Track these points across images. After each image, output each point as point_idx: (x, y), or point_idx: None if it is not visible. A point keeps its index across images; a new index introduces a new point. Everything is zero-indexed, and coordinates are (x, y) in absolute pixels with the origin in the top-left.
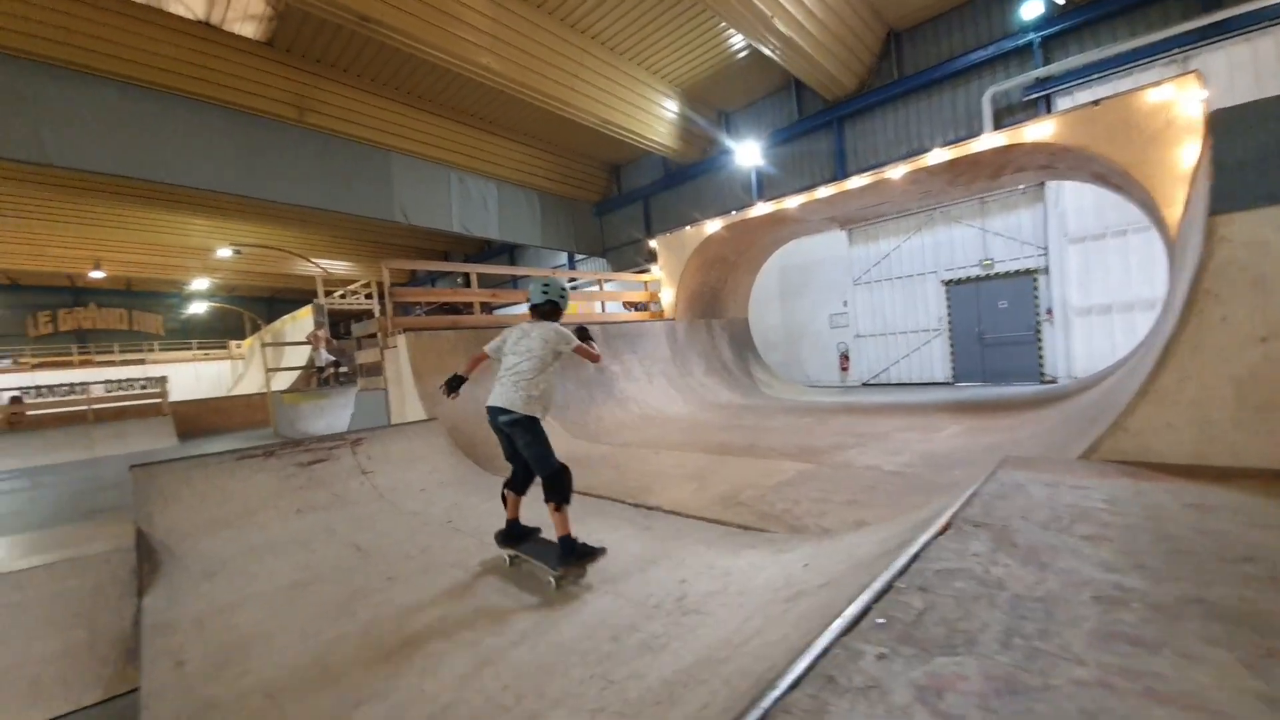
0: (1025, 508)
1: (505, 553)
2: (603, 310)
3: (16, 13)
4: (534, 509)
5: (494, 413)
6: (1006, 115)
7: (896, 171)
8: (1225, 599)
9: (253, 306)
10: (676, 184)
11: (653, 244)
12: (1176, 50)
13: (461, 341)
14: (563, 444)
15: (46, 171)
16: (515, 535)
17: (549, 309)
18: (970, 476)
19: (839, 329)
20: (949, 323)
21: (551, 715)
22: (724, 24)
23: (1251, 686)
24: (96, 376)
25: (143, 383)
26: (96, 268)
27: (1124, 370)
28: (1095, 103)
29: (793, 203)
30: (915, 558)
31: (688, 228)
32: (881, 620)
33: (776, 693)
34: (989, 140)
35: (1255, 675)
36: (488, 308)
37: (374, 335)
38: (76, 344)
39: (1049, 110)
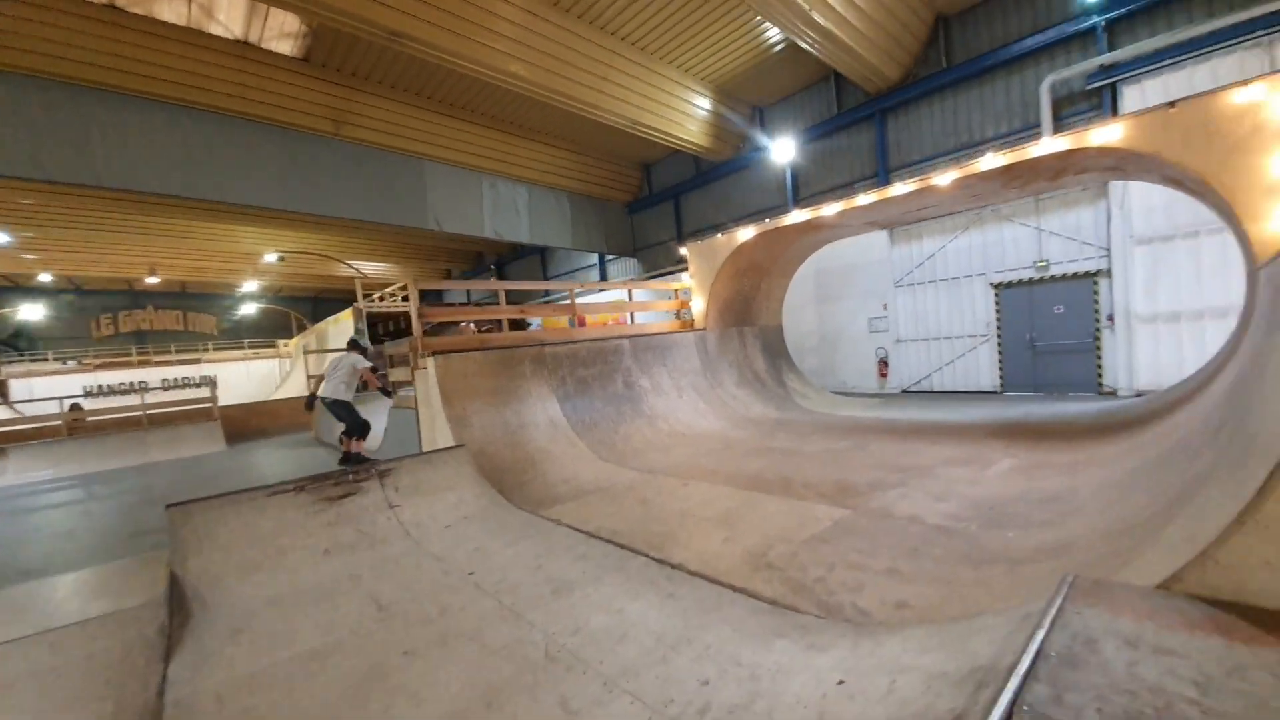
0: (1101, 689)
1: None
2: (631, 321)
3: (70, 42)
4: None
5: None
6: (1067, 105)
7: (944, 179)
8: None
9: (298, 306)
10: (709, 182)
11: (683, 251)
12: (1263, 32)
13: (489, 363)
14: (588, 468)
15: (99, 190)
16: (345, 460)
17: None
18: (1028, 549)
19: (878, 334)
20: (998, 328)
21: None
22: (759, 18)
23: None
24: (154, 375)
25: (197, 381)
26: (152, 273)
27: (1202, 413)
28: (1170, 104)
29: (830, 210)
30: None
31: (719, 235)
32: None
33: None
34: (1049, 145)
35: None
36: (518, 324)
37: (405, 354)
38: (136, 345)
39: (1114, 100)
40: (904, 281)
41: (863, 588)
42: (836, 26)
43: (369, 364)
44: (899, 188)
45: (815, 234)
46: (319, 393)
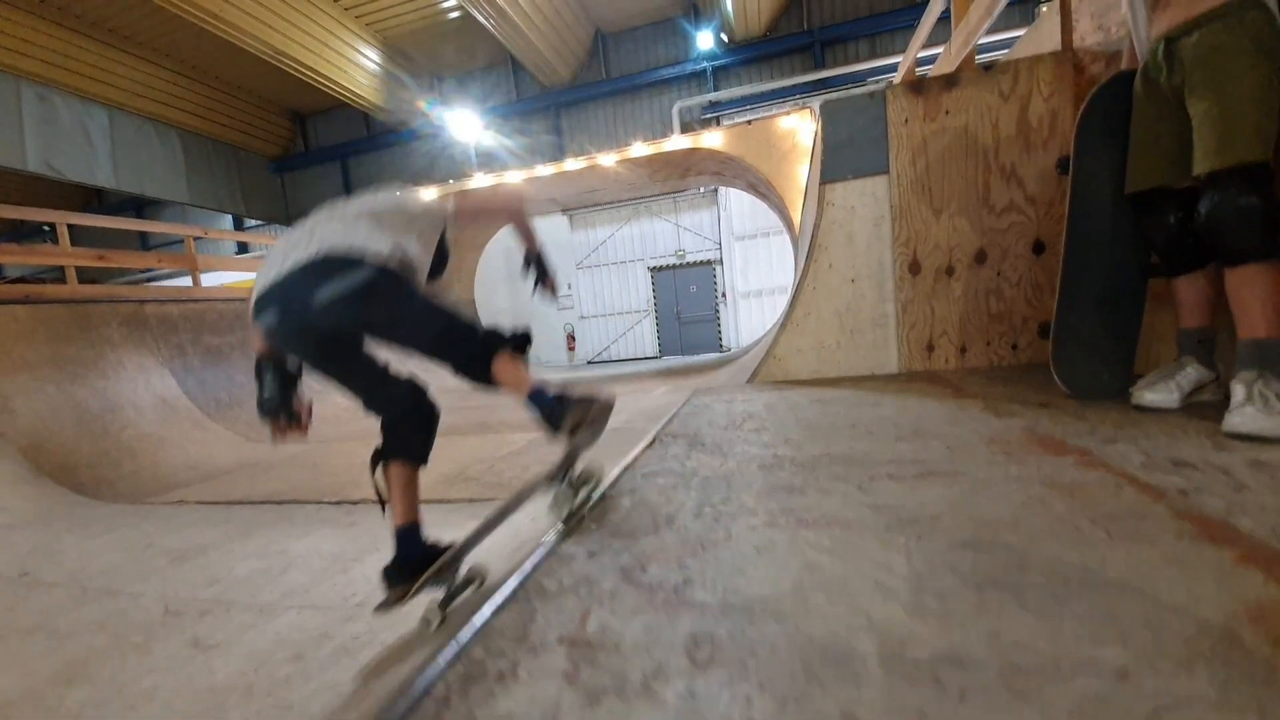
0: (710, 419)
1: (426, 605)
2: None
3: None
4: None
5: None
6: (690, 128)
7: (608, 159)
8: (842, 451)
9: None
10: (384, 146)
11: None
12: (799, 96)
13: (42, 323)
14: (229, 450)
15: None
16: (425, 557)
17: None
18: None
19: (565, 311)
20: (655, 304)
21: None
22: None
23: (864, 500)
24: None
25: None
26: None
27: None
28: (749, 122)
29: (514, 177)
30: (626, 469)
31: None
32: (594, 526)
33: (491, 608)
34: (677, 142)
35: (865, 493)
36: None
37: None
38: None
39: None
40: (584, 263)
41: None
42: (510, 9)
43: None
44: (572, 163)
45: None
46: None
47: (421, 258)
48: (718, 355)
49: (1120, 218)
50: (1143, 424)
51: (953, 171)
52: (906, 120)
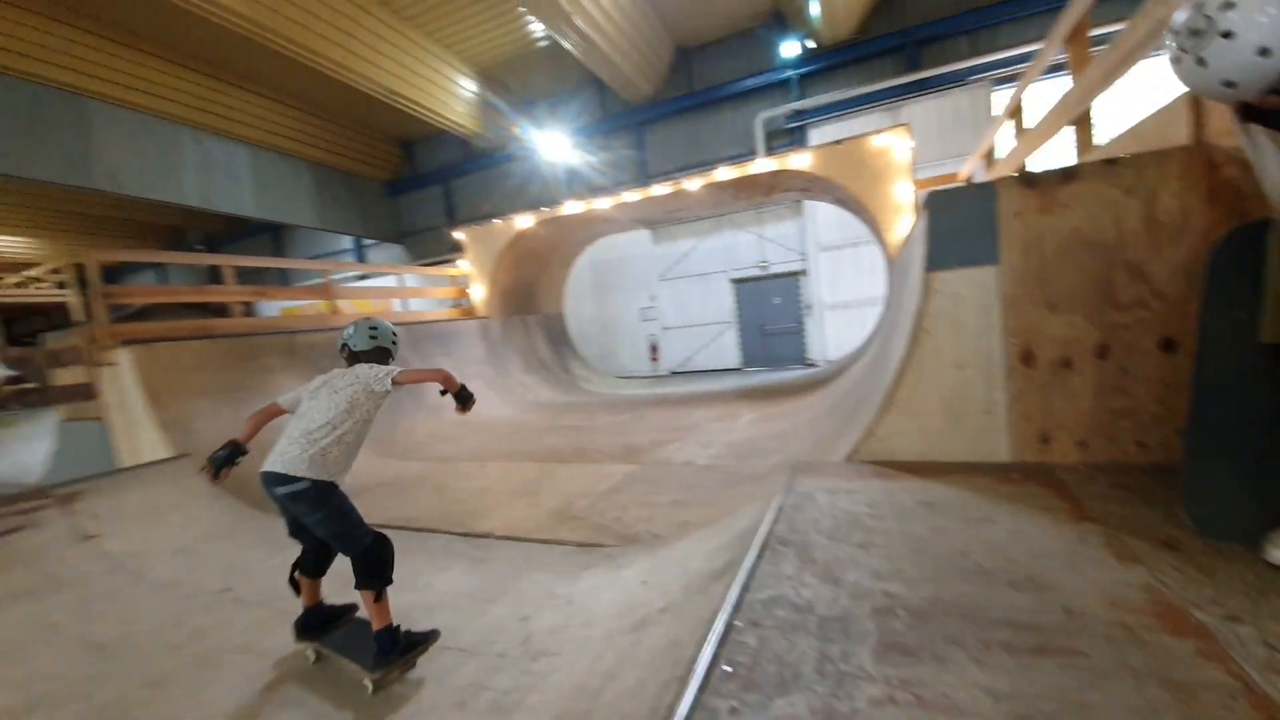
0: (816, 519)
1: (307, 648)
2: (405, 308)
3: None
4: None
5: (269, 480)
6: (775, 138)
7: (693, 184)
8: (955, 596)
9: None
10: (481, 168)
11: (458, 235)
12: (889, 100)
13: (215, 356)
14: (365, 467)
15: None
16: (317, 622)
17: (378, 357)
18: (767, 468)
19: (649, 321)
20: (738, 316)
21: None
22: (522, 8)
23: (980, 679)
24: None
25: None
26: None
27: (863, 364)
28: (839, 142)
29: (603, 204)
30: (745, 588)
31: (497, 221)
32: (728, 669)
33: None
34: (763, 164)
35: (981, 668)
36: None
37: (76, 349)
38: None
39: (804, 138)
40: (667, 276)
41: (654, 519)
42: (594, 32)
43: (397, 369)
44: (658, 189)
45: (590, 227)
46: (264, 468)
47: (350, 447)
48: (804, 373)
49: (1257, 361)
50: (1272, 591)
51: (1070, 265)
52: (1018, 213)
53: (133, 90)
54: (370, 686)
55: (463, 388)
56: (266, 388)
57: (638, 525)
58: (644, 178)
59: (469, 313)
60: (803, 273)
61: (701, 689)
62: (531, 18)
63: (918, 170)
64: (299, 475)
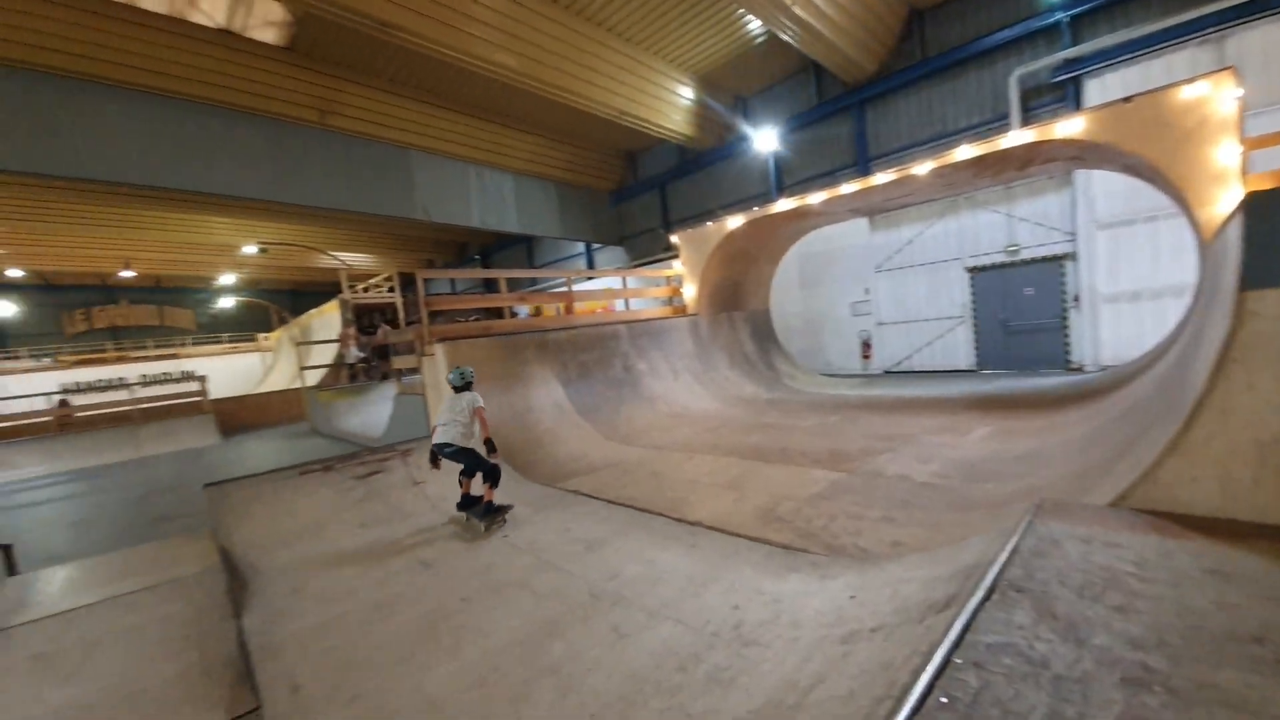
0: (1062, 570)
1: (463, 514)
2: (626, 307)
3: (48, 30)
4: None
5: (440, 447)
6: (1034, 97)
7: (922, 168)
8: (1233, 685)
9: (277, 299)
10: (693, 171)
11: (674, 239)
12: (1211, 30)
13: (495, 349)
14: (596, 447)
15: (77, 181)
16: (467, 503)
17: (466, 387)
18: (1003, 495)
19: (861, 317)
20: (973, 309)
21: None
22: (740, 9)
23: None
24: (131, 371)
25: (176, 376)
26: (126, 267)
27: (1152, 379)
28: (1127, 99)
29: (815, 198)
30: (967, 628)
31: (709, 223)
32: (944, 699)
33: None
34: (1017, 137)
35: None
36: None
37: (411, 342)
38: (111, 340)
39: (1078, 92)
40: (884, 266)
41: (862, 532)
42: (815, 19)
43: (480, 402)
44: (880, 177)
45: (800, 221)
46: (436, 440)
47: (469, 431)
48: (1064, 381)
49: None
50: None
51: None
52: None
53: (438, 140)
54: (482, 528)
55: (490, 439)
56: (526, 375)
57: (844, 537)
58: (864, 162)
59: (681, 310)
60: (1069, 256)
61: (916, 711)
62: (750, 18)
63: (1247, 124)
64: (457, 444)
